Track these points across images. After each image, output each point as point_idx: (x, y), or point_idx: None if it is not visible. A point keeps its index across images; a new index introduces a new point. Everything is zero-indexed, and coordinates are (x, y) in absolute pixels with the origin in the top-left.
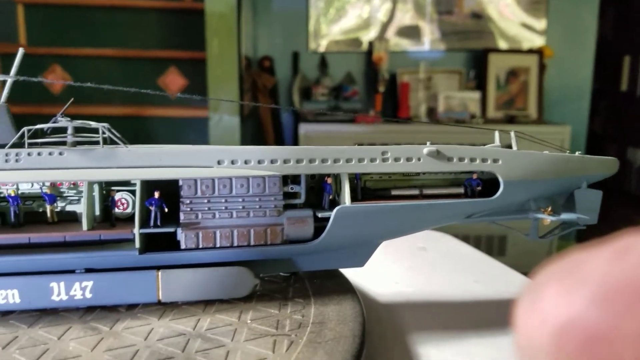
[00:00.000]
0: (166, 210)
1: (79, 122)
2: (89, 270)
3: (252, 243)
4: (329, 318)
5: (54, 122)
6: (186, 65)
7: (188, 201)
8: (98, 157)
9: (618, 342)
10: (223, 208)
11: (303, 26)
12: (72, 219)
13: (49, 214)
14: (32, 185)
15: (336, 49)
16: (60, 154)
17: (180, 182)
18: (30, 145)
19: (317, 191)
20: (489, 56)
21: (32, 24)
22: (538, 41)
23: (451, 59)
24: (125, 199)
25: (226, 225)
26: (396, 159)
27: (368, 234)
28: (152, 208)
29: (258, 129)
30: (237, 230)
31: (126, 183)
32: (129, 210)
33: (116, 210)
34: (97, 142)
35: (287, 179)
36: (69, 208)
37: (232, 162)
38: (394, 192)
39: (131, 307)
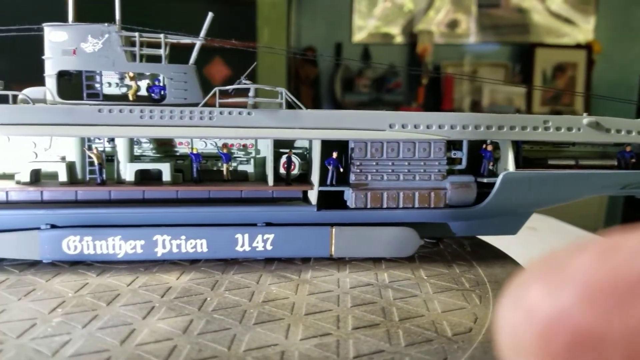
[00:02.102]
0: (341, 170)
1: (260, 85)
2: (268, 225)
3: (416, 205)
4: (501, 278)
5: (238, 84)
6: (231, 55)
7: (358, 163)
8: (281, 118)
9: (606, 340)
10: (390, 171)
11: (347, 17)
12: (242, 177)
13: (224, 172)
14: (206, 144)
15: (379, 41)
16: (249, 113)
17: (352, 145)
18: (220, 105)
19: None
20: (535, 50)
21: (81, 10)
22: (585, 36)
23: (496, 53)
24: (293, 161)
25: (393, 187)
26: (557, 128)
27: (527, 201)
28: (330, 167)
29: None
30: (403, 192)
31: (291, 144)
32: (296, 171)
33: (282, 170)
34: (274, 104)
35: (449, 145)
36: (240, 168)
37: (403, 126)
38: (551, 162)
39: (305, 261)
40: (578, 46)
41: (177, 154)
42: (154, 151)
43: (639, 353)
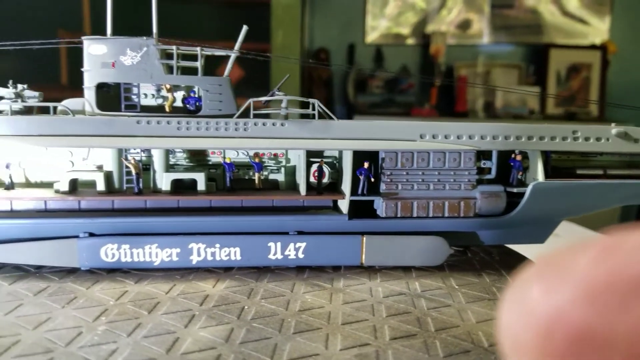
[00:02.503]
0: (372, 179)
1: (292, 97)
2: (300, 233)
3: (446, 214)
4: None
5: (272, 96)
6: (244, 57)
7: (389, 172)
8: (314, 128)
9: (606, 339)
10: (420, 180)
11: (360, 18)
12: (273, 186)
13: (256, 181)
14: (238, 154)
15: (392, 41)
16: (282, 124)
17: (382, 155)
18: (255, 115)
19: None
20: (549, 51)
21: (96, 14)
22: (600, 37)
23: (510, 53)
24: (324, 170)
25: (423, 196)
26: (586, 138)
27: (556, 210)
28: (361, 177)
29: None
30: (433, 201)
31: (321, 154)
32: (326, 180)
33: (312, 179)
34: (307, 115)
35: (479, 155)
36: (271, 176)
37: (433, 137)
38: (579, 171)
39: (335, 269)
40: (593, 47)
41: (210, 163)
42: (187, 160)
43: (639, 352)
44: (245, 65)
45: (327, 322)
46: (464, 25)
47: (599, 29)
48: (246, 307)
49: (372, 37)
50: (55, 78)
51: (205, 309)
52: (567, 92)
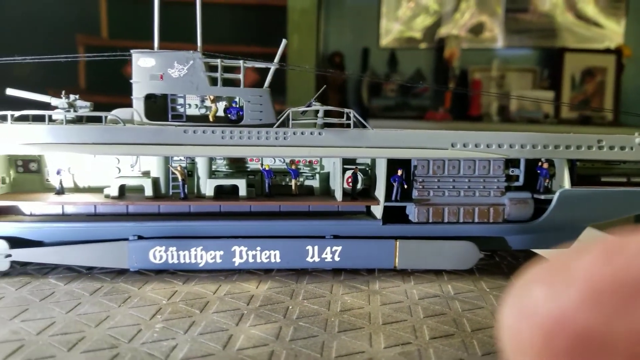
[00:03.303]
0: (406, 186)
1: (329, 107)
2: (335, 237)
3: (475, 220)
4: None
5: (308, 106)
6: (259, 60)
7: (421, 180)
8: (350, 137)
9: (610, 341)
10: (451, 187)
11: (374, 22)
12: (308, 191)
13: (293, 187)
14: (275, 161)
15: (406, 45)
16: (319, 133)
17: (415, 162)
18: (294, 125)
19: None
20: (564, 55)
21: (113, 17)
22: (615, 41)
23: (524, 57)
24: (357, 176)
25: (453, 202)
26: (611, 147)
27: (582, 216)
28: (395, 184)
29: None
30: (464, 207)
31: (354, 161)
32: (359, 186)
33: (346, 185)
34: (342, 125)
35: (507, 163)
36: (306, 182)
37: (464, 145)
38: (604, 179)
39: (369, 272)
40: (607, 51)
41: (248, 169)
42: (227, 167)
43: None
44: (260, 69)
45: (368, 322)
46: (478, 29)
47: (613, 33)
48: (290, 307)
49: (386, 40)
50: (73, 82)
51: (252, 308)
52: (582, 96)
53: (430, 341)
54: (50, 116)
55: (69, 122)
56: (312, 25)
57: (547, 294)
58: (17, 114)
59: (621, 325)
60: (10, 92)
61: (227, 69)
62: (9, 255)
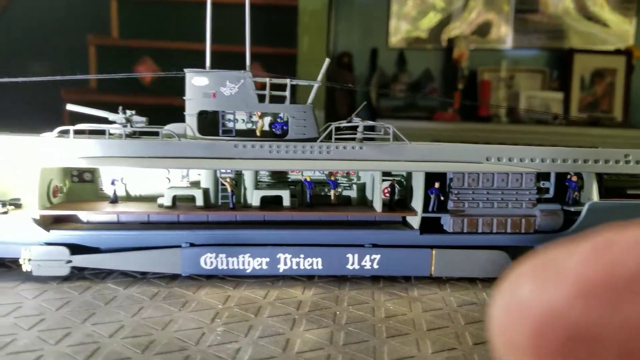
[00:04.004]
0: (442, 198)
1: (369, 122)
2: (374, 246)
3: (508, 231)
4: None
5: (349, 122)
6: (269, 61)
7: (456, 192)
8: (389, 151)
9: (601, 337)
10: (485, 199)
11: (383, 22)
12: (346, 201)
13: (332, 197)
14: (314, 172)
15: (415, 46)
16: (360, 147)
17: (450, 175)
18: (336, 139)
19: None
20: (574, 56)
21: (124, 17)
22: (625, 42)
23: (534, 58)
24: (395, 188)
25: (487, 214)
26: (637, 162)
27: None
28: (432, 196)
29: None
30: (497, 219)
31: (390, 173)
32: (396, 197)
33: (382, 196)
34: (380, 139)
35: (538, 176)
36: (344, 193)
37: (498, 159)
38: (630, 192)
39: (406, 279)
40: (617, 52)
41: (289, 179)
42: (269, 177)
43: (634, 350)
44: (270, 70)
45: (413, 327)
46: (487, 29)
47: (624, 34)
48: (337, 312)
49: (394, 40)
50: (85, 81)
51: (302, 313)
52: (591, 97)
53: (474, 347)
54: (109, 130)
55: (127, 136)
56: (323, 26)
57: (538, 289)
58: (78, 127)
59: (612, 321)
60: (70, 107)
61: (273, 87)
62: (70, 261)
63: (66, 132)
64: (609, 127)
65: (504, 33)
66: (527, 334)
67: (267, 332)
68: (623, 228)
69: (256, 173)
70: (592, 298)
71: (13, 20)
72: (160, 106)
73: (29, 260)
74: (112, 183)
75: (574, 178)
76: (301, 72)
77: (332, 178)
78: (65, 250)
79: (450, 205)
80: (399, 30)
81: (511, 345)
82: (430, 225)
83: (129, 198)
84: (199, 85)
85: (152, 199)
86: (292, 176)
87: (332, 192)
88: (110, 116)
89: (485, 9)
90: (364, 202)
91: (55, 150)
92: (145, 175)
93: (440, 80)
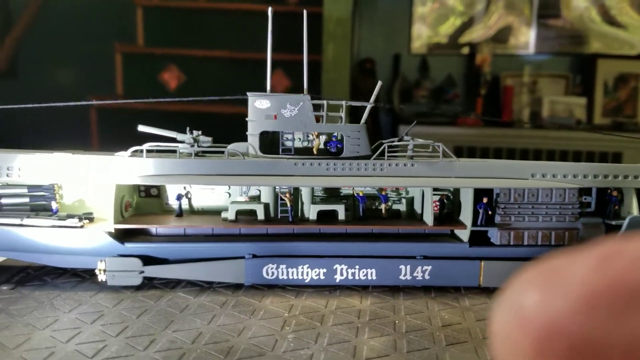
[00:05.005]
0: (490, 212)
1: (419, 141)
2: (425, 257)
3: (552, 243)
4: None
5: (400, 140)
6: (292, 68)
7: (503, 206)
8: (439, 168)
9: (604, 349)
10: (530, 213)
11: (405, 28)
12: (395, 215)
13: (383, 211)
14: (365, 187)
15: (437, 51)
16: (412, 165)
17: (497, 191)
18: (389, 157)
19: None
20: (597, 61)
21: (149, 25)
22: None
23: (557, 63)
24: (438, 203)
25: (532, 227)
26: None
27: None
28: (481, 210)
29: None
30: (542, 232)
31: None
32: (445, 211)
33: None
34: (431, 156)
35: (581, 191)
36: (394, 207)
37: (543, 175)
38: None
39: (456, 289)
40: None
41: (342, 194)
42: (322, 192)
43: None
44: (292, 75)
45: (469, 336)
46: (508, 34)
47: None
48: (397, 321)
49: (417, 46)
50: (111, 88)
51: (364, 322)
52: (615, 102)
53: None
54: (179, 150)
55: (196, 155)
56: (347, 33)
57: (541, 299)
58: (148, 146)
59: (617, 333)
60: (141, 128)
61: (330, 108)
62: (142, 272)
63: (139, 151)
64: (633, 132)
65: (526, 38)
66: (529, 344)
67: (335, 339)
68: (627, 239)
69: (313, 188)
70: (596, 309)
71: (45, 30)
72: (185, 113)
73: (104, 270)
74: (178, 198)
75: (615, 193)
76: (325, 78)
77: (383, 193)
78: (138, 262)
79: (498, 219)
80: (421, 36)
81: (512, 355)
82: (477, 238)
83: (192, 212)
84: (261, 108)
85: (213, 212)
86: (344, 191)
87: (382, 206)
88: (179, 136)
89: (506, 14)
90: (412, 215)
91: (130, 168)
92: (207, 190)
93: (462, 86)
